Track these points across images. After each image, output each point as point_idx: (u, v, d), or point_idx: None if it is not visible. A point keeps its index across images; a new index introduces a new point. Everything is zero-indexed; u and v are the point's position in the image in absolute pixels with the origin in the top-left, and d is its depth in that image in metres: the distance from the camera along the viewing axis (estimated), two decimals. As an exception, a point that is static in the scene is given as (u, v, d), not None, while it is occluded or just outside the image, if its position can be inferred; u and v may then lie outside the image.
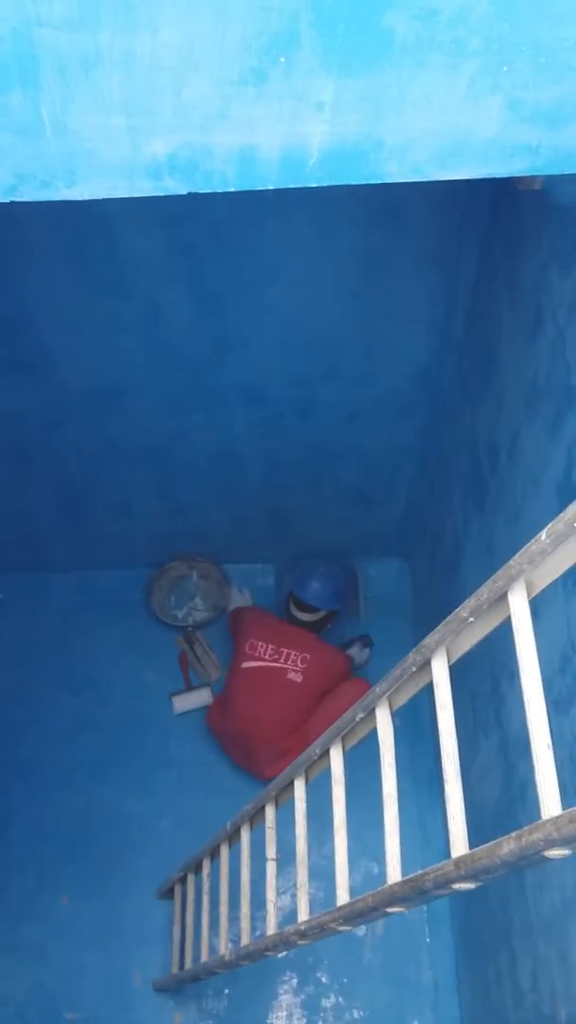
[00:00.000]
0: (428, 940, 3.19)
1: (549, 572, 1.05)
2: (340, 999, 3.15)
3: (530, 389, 2.08)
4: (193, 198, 1.09)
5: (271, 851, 1.90)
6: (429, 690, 1.27)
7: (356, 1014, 3.13)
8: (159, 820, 3.41)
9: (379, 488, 3.50)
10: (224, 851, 2.34)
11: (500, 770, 2.44)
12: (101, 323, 2.64)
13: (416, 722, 3.35)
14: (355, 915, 1.40)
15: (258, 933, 2.23)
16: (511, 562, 1.05)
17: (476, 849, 1.03)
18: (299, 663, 3.38)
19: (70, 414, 3.00)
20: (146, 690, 3.67)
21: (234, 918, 2.32)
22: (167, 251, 2.43)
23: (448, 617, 1.19)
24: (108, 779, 3.48)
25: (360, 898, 1.36)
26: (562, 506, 1.28)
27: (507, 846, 0.96)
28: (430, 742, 3.26)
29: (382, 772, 1.34)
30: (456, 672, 1.23)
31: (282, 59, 0.94)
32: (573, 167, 1.08)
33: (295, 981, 3.17)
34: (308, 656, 3.39)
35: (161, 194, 1.08)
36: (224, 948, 2.28)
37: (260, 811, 2.01)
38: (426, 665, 1.26)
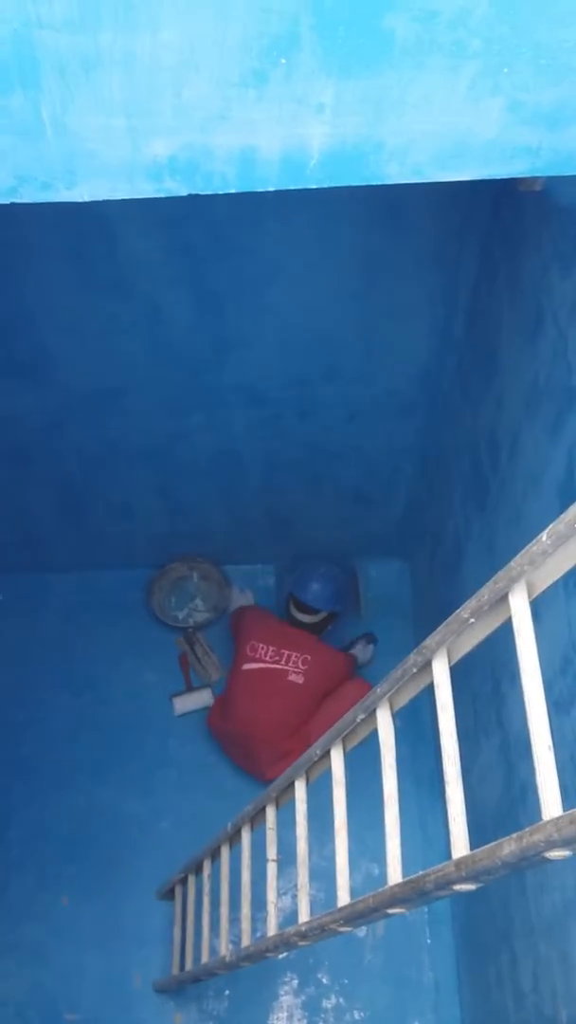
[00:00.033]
0: (429, 941, 3.19)
1: (550, 573, 1.05)
2: (341, 1000, 3.15)
3: (531, 390, 2.08)
4: (193, 199, 1.09)
5: (272, 852, 1.90)
6: (430, 691, 1.27)
7: (357, 1015, 3.13)
8: (159, 821, 3.41)
9: (379, 488, 3.50)
10: (225, 852, 2.34)
11: (501, 771, 2.44)
12: (101, 324, 2.64)
13: (417, 723, 3.35)
14: (356, 916, 1.40)
15: (259, 934, 2.23)
16: (512, 563, 1.05)
17: (477, 850, 1.03)
18: (300, 664, 3.38)
19: (70, 415, 3.01)
20: (146, 691, 3.67)
21: (235, 919, 2.32)
22: (167, 252, 2.43)
23: (449, 618, 1.19)
24: (108, 780, 3.48)
25: (361, 899, 1.36)
26: (563, 507, 1.28)
27: (508, 847, 0.96)
28: (431, 743, 3.26)
29: (383, 773, 1.34)
30: (457, 673, 1.23)
31: (283, 61, 0.94)
32: (573, 168, 1.08)
33: (296, 982, 3.17)
34: (309, 657, 3.39)
35: (162, 195, 1.08)
36: (225, 949, 2.28)
37: (261, 812, 2.01)
38: (427, 666, 1.26)
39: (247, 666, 3.41)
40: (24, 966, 3.20)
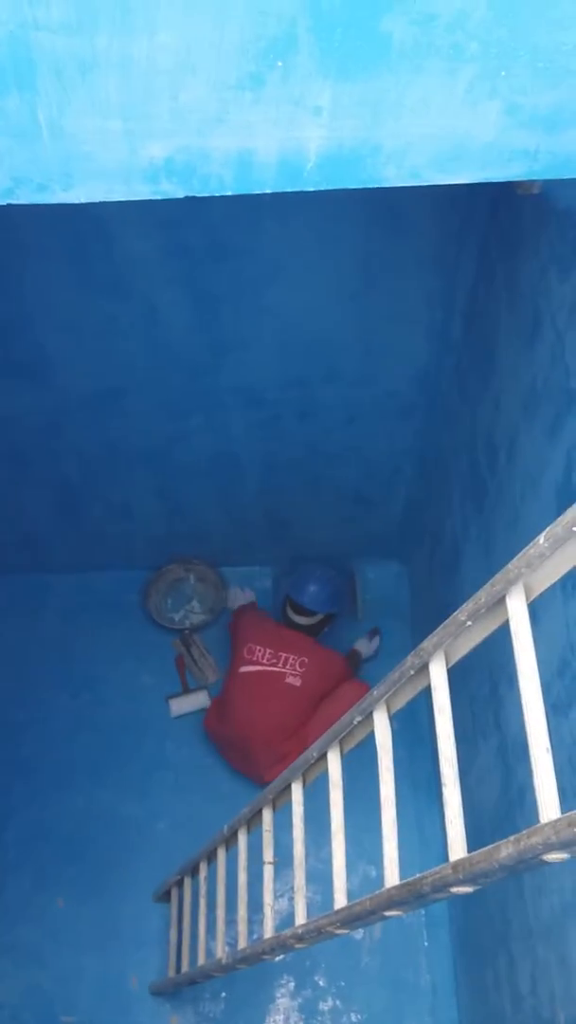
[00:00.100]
0: (426, 944, 3.19)
1: (547, 576, 1.05)
2: (338, 1003, 3.14)
3: (529, 392, 2.08)
4: (191, 201, 1.09)
5: (268, 854, 1.90)
6: (427, 693, 1.27)
7: (354, 1018, 3.12)
8: (156, 823, 3.41)
9: (378, 490, 3.50)
10: (221, 854, 2.33)
11: (499, 773, 2.43)
12: (99, 325, 2.64)
13: (414, 725, 3.35)
14: (353, 919, 1.39)
15: (255, 937, 2.23)
16: (509, 566, 1.05)
17: (474, 853, 1.03)
18: (297, 667, 3.38)
19: (69, 416, 3.00)
20: (143, 693, 3.67)
21: (231, 921, 2.32)
22: (165, 253, 2.43)
23: (446, 620, 1.19)
24: (106, 781, 3.48)
25: (358, 901, 1.36)
26: (561, 509, 1.28)
27: (505, 850, 0.95)
28: (428, 745, 3.26)
29: (380, 775, 1.34)
30: (454, 675, 1.23)
31: (280, 63, 0.94)
32: (571, 171, 1.08)
33: (292, 985, 3.16)
34: (306, 660, 3.39)
35: (158, 198, 1.08)
36: (221, 951, 2.27)
37: (257, 814, 2.01)
38: (424, 668, 1.26)
39: (244, 669, 3.41)
40: (20, 968, 3.19)
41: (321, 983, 3.16)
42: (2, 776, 3.49)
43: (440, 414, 2.99)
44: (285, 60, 0.94)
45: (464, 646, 1.22)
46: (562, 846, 0.88)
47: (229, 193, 1.07)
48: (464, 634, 1.19)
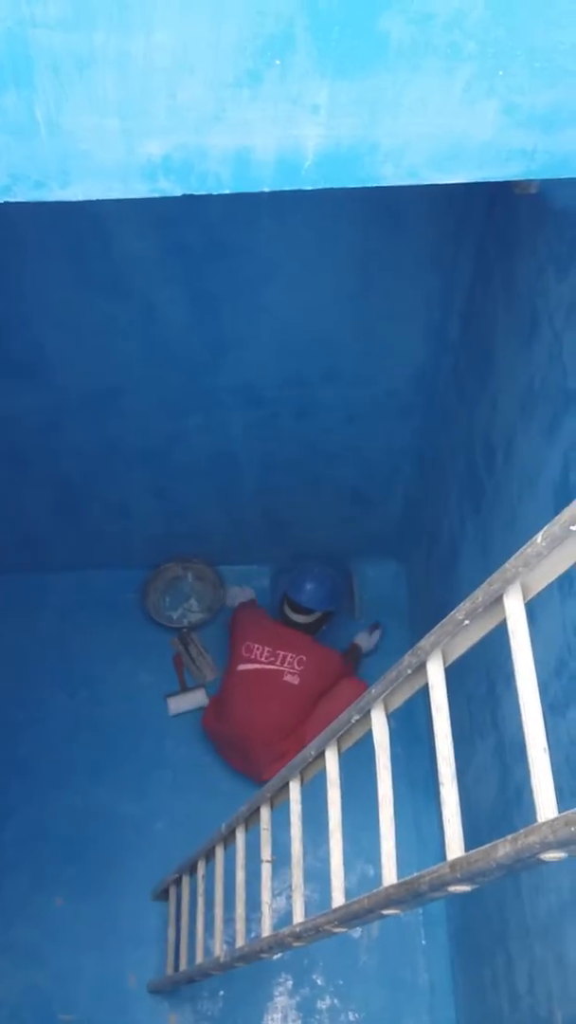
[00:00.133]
0: (424, 942, 3.19)
1: (545, 575, 1.05)
2: (335, 1001, 3.14)
3: (526, 392, 2.08)
4: (188, 199, 1.09)
5: (266, 853, 1.90)
6: (425, 692, 1.27)
7: (351, 1016, 3.13)
8: (154, 821, 3.41)
9: (376, 489, 3.50)
10: (219, 853, 2.33)
11: (496, 772, 2.44)
12: (98, 323, 2.64)
13: (412, 724, 3.35)
14: (350, 917, 1.39)
15: (253, 935, 2.23)
16: (507, 565, 1.05)
17: (472, 852, 1.03)
18: (295, 665, 3.38)
19: (67, 415, 3.00)
20: (141, 691, 3.67)
21: (229, 920, 2.32)
22: (163, 252, 2.43)
23: (444, 619, 1.19)
24: (104, 780, 3.48)
25: (355, 900, 1.36)
26: (558, 509, 1.28)
27: (503, 849, 0.96)
28: (426, 744, 3.27)
29: (378, 774, 1.34)
30: (452, 674, 1.23)
31: (277, 62, 0.94)
32: (569, 171, 1.08)
33: (290, 983, 3.16)
34: (304, 658, 3.39)
35: (156, 196, 1.07)
36: (219, 950, 2.28)
37: (255, 813, 2.01)
38: (421, 667, 1.26)
39: (242, 667, 3.41)
40: (19, 967, 3.19)
41: (319, 981, 3.17)
42: (0, 775, 3.49)
43: (438, 414, 2.99)
44: (283, 58, 0.94)
45: (462, 645, 1.22)
46: (559, 845, 0.88)
47: (227, 191, 1.07)
48: (461, 633, 1.19)
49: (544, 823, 0.90)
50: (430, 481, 3.23)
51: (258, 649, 3.42)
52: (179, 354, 2.77)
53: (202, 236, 2.38)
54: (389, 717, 1.40)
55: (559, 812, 0.91)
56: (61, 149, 1.02)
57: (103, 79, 0.95)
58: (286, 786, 1.78)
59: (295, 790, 1.74)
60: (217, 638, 3.78)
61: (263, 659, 3.40)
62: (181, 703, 3.64)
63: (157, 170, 1.04)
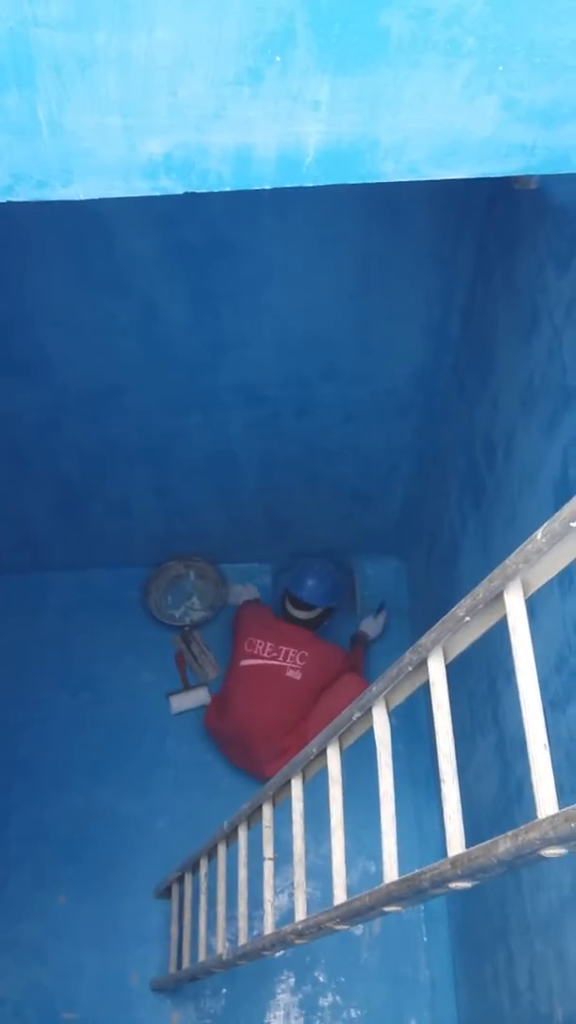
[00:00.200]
0: (425, 939, 3.20)
1: (545, 571, 1.05)
2: (337, 998, 3.15)
3: (526, 388, 2.08)
4: (189, 197, 1.09)
5: (268, 851, 1.90)
6: (426, 689, 1.27)
7: (353, 1013, 3.13)
8: (156, 820, 3.41)
9: (376, 487, 3.50)
10: (221, 851, 2.34)
11: (497, 769, 2.44)
12: (99, 322, 2.64)
13: (413, 721, 3.35)
14: (352, 914, 1.40)
15: (255, 932, 2.23)
16: (507, 561, 1.05)
17: (473, 848, 1.03)
18: (298, 660, 3.39)
19: (68, 413, 3.00)
20: (143, 690, 3.67)
21: (231, 917, 2.32)
22: (164, 250, 2.43)
23: (444, 616, 1.19)
24: (106, 779, 3.48)
25: (357, 897, 1.36)
26: (558, 505, 1.28)
27: (503, 845, 0.96)
28: (427, 741, 3.27)
29: (379, 771, 1.34)
30: (453, 671, 1.23)
31: (278, 58, 0.94)
32: (568, 167, 1.08)
33: (293, 980, 3.17)
34: (306, 654, 3.40)
35: (157, 194, 1.08)
36: (222, 948, 2.28)
37: (257, 810, 2.01)
38: (422, 664, 1.26)
39: (245, 662, 3.41)
40: (22, 965, 3.20)
41: (321, 979, 3.17)
42: (2, 774, 3.49)
43: (438, 411, 2.99)
44: (283, 55, 0.94)
45: (462, 642, 1.22)
46: (560, 841, 0.88)
47: (228, 189, 1.07)
48: (462, 630, 1.19)
49: (544, 819, 0.90)
50: (430, 478, 3.23)
51: (260, 645, 3.42)
52: (180, 353, 2.77)
53: (203, 234, 2.38)
54: (390, 714, 1.41)
55: (559, 808, 0.91)
56: (63, 148, 1.02)
57: (105, 78, 0.95)
58: (288, 784, 1.79)
59: (297, 788, 1.75)
60: (219, 636, 3.78)
61: (265, 655, 3.41)
62: (183, 701, 3.64)
63: (158, 168, 1.04)
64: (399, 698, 1.39)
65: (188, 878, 2.81)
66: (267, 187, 1.07)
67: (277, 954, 1.97)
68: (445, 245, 2.46)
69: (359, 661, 3.60)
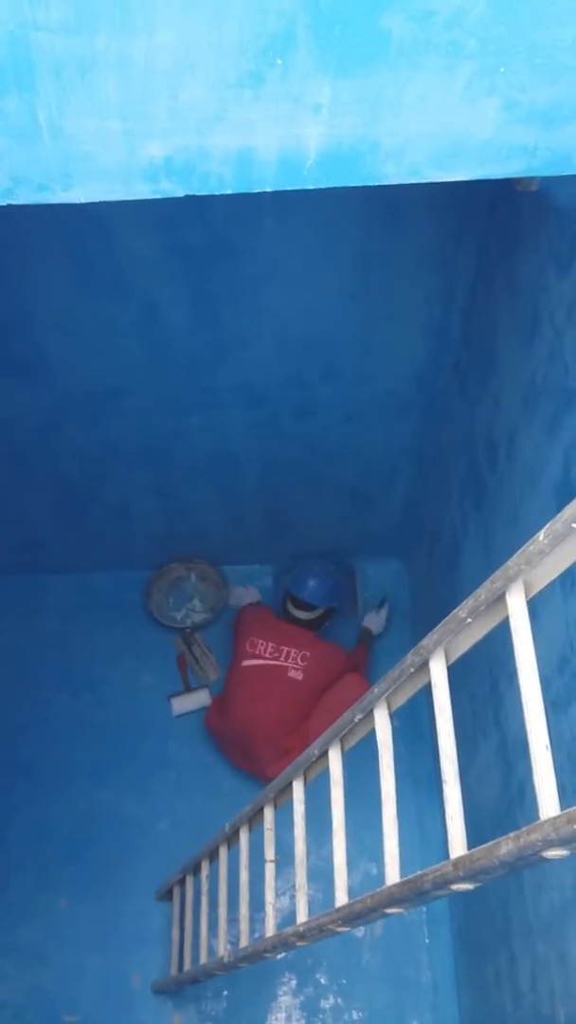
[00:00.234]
0: (427, 941, 3.20)
1: (547, 572, 1.05)
2: (339, 1000, 3.15)
3: (528, 389, 2.08)
4: (190, 200, 1.09)
5: (270, 853, 1.90)
6: (428, 691, 1.27)
7: (355, 1015, 3.13)
8: (158, 822, 3.41)
9: (377, 488, 3.50)
10: (223, 853, 2.34)
11: (499, 771, 2.44)
12: (99, 324, 2.64)
13: (415, 722, 3.35)
14: (354, 916, 1.40)
15: (257, 935, 2.23)
16: (509, 563, 1.05)
17: (474, 850, 1.03)
18: (299, 661, 3.39)
19: (68, 415, 3.00)
20: (144, 692, 3.67)
21: (233, 920, 2.32)
22: (165, 252, 2.43)
23: (446, 618, 1.19)
24: (107, 781, 3.48)
25: (359, 899, 1.36)
26: (560, 506, 1.28)
27: (505, 847, 0.96)
28: (429, 742, 3.26)
29: (381, 773, 1.34)
30: (454, 673, 1.23)
31: (279, 61, 0.94)
32: (570, 168, 1.08)
33: (294, 982, 3.17)
34: (308, 654, 3.40)
35: (158, 197, 1.08)
36: (223, 950, 2.28)
37: (259, 813, 2.01)
38: (424, 666, 1.26)
39: (247, 662, 3.42)
40: (23, 968, 3.20)
41: (323, 981, 3.17)
42: (4, 776, 3.49)
43: (439, 412, 2.99)
44: (284, 58, 0.94)
45: (464, 643, 1.22)
46: (562, 843, 0.88)
47: (229, 192, 1.08)
48: (464, 631, 1.19)
49: (546, 820, 0.90)
50: (431, 479, 3.23)
51: (262, 645, 3.42)
52: (180, 354, 2.77)
53: (204, 236, 2.38)
54: (392, 716, 1.40)
55: (561, 810, 0.91)
56: (63, 152, 1.02)
57: (105, 82, 0.95)
58: (289, 786, 1.79)
59: (298, 790, 1.75)
60: (220, 638, 3.78)
61: (267, 655, 3.41)
62: (185, 703, 3.64)
63: (159, 171, 1.04)
64: (401, 700, 1.39)
65: (189, 880, 2.81)
66: (268, 190, 1.08)
67: (278, 956, 1.96)
68: (446, 246, 2.46)
69: (363, 658, 3.60)
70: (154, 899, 3.23)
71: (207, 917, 2.55)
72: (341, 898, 1.46)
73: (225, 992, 3.16)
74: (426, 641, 1.23)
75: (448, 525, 3.01)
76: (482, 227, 2.36)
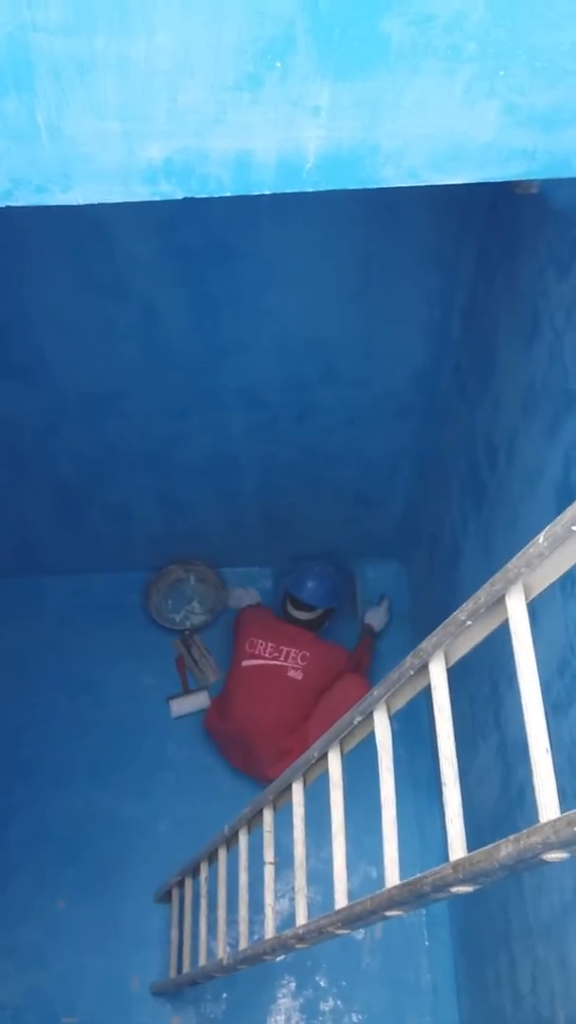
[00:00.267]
0: (427, 943, 3.19)
1: (547, 575, 1.05)
2: (339, 1003, 3.14)
3: (527, 392, 2.08)
4: (190, 202, 1.09)
5: (269, 855, 1.90)
6: (427, 693, 1.27)
7: (355, 1018, 3.13)
8: (157, 823, 3.41)
9: (376, 490, 3.50)
10: (222, 855, 2.33)
11: (498, 773, 2.44)
12: (98, 326, 2.64)
13: (415, 725, 3.35)
14: (353, 919, 1.39)
15: (256, 937, 2.23)
16: (509, 565, 1.05)
17: (474, 852, 1.03)
18: (299, 661, 3.39)
19: (67, 417, 3.00)
20: (144, 694, 3.67)
21: (232, 922, 2.32)
22: (164, 254, 2.43)
23: (446, 620, 1.19)
24: (106, 782, 3.48)
25: (358, 901, 1.36)
26: (560, 508, 1.28)
27: (505, 849, 0.96)
28: (428, 745, 3.26)
29: (380, 775, 1.34)
30: (454, 675, 1.23)
31: (278, 64, 0.94)
32: (569, 171, 1.09)
33: (293, 985, 3.16)
34: (307, 654, 3.40)
35: (157, 199, 1.08)
36: (222, 952, 2.27)
37: (258, 815, 2.01)
38: (424, 668, 1.26)
39: (246, 663, 3.42)
40: (22, 969, 3.19)
41: (322, 983, 3.16)
42: (3, 777, 3.49)
43: (439, 414, 2.99)
44: (283, 61, 0.94)
45: (464, 646, 1.22)
46: (561, 845, 0.88)
47: (228, 194, 1.07)
48: (464, 634, 1.19)
49: (546, 823, 0.90)
50: (431, 481, 3.23)
51: (262, 645, 3.42)
52: (179, 357, 2.77)
53: (203, 239, 2.38)
54: (392, 718, 1.40)
55: (561, 812, 0.91)
56: (62, 153, 1.02)
57: (104, 83, 0.95)
58: (289, 788, 1.78)
59: (298, 792, 1.74)
60: (219, 640, 3.78)
61: (267, 655, 3.41)
62: (184, 705, 3.64)
63: (158, 173, 1.04)
64: (400, 702, 1.39)
65: (188, 882, 2.80)
66: (267, 192, 1.08)
67: (278, 958, 1.96)
68: (446, 248, 2.46)
69: (365, 656, 3.59)
70: (153, 901, 3.23)
71: (206, 919, 2.55)
72: (341, 900, 1.46)
73: (224, 994, 3.15)
74: (426, 644, 1.23)
75: (448, 527, 3.00)
76: (482, 229, 2.36)
